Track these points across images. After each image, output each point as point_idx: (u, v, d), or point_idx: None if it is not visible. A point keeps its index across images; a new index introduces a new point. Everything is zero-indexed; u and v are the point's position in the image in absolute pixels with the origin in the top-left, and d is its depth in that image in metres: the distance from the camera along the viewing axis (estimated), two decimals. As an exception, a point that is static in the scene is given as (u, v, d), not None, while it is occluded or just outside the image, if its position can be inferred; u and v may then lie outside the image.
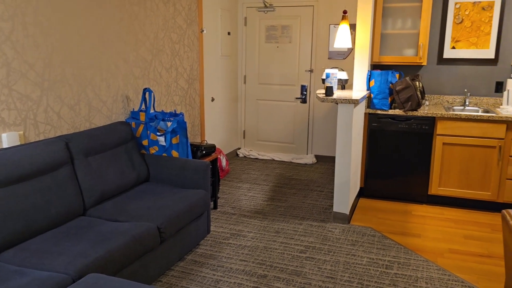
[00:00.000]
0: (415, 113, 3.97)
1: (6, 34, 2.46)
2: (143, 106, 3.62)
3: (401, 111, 4.02)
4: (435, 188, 4.04)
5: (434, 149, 3.99)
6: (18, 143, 2.56)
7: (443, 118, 3.91)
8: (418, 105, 3.95)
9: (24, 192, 2.33)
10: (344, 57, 5.35)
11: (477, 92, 4.38)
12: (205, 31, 4.76)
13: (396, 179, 4.16)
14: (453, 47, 4.34)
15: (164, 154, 3.38)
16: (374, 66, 4.55)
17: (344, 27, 3.99)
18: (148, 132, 3.38)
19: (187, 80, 4.43)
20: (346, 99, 3.43)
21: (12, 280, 1.87)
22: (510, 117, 3.71)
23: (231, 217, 3.79)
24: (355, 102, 3.43)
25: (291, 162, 5.64)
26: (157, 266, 2.64)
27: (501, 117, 3.73)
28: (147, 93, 3.71)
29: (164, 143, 3.37)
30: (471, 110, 4.18)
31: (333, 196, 4.35)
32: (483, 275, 2.88)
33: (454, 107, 4.27)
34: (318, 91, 3.92)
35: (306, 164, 5.55)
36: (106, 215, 2.68)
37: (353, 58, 5.28)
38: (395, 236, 3.44)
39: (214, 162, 3.92)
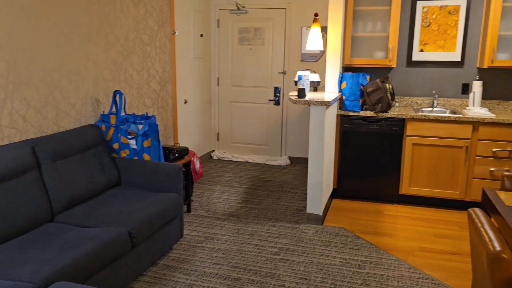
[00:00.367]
0: (385, 115, 4.04)
1: (-33, 35, 2.37)
2: (114, 109, 3.56)
3: (372, 112, 4.08)
4: (406, 188, 4.13)
5: (404, 150, 4.08)
6: (-19, 148, 2.47)
7: (412, 119, 4.00)
8: (388, 106, 4.03)
9: (-13, 198, 2.24)
10: (316, 59, 5.40)
11: (445, 93, 4.50)
12: (177, 33, 4.71)
13: (368, 180, 4.23)
14: (422, 50, 4.45)
15: (135, 158, 3.32)
16: (346, 68, 4.61)
17: (315, 30, 4.02)
18: (119, 135, 3.32)
19: (159, 82, 4.38)
20: (318, 101, 3.46)
21: (-26, 290, 1.80)
22: (476, 118, 3.83)
23: (204, 220, 3.76)
24: (327, 104, 3.46)
25: (265, 164, 5.65)
26: (128, 272, 2.58)
27: (468, 118, 3.85)
28: (117, 96, 3.64)
29: (135, 146, 3.31)
30: (439, 111, 4.30)
31: (306, 197, 4.38)
32: (452, 272, 2.95)
33: (423, 109, 4.37)
34: (290, 93, 3.94)
35: (280, 166, 5.57)
36: (75, 221, 2.61)
37: (325, 61, 5.33)
38: (367, 236, 3.49)
39: (187, 165, 3.88)
